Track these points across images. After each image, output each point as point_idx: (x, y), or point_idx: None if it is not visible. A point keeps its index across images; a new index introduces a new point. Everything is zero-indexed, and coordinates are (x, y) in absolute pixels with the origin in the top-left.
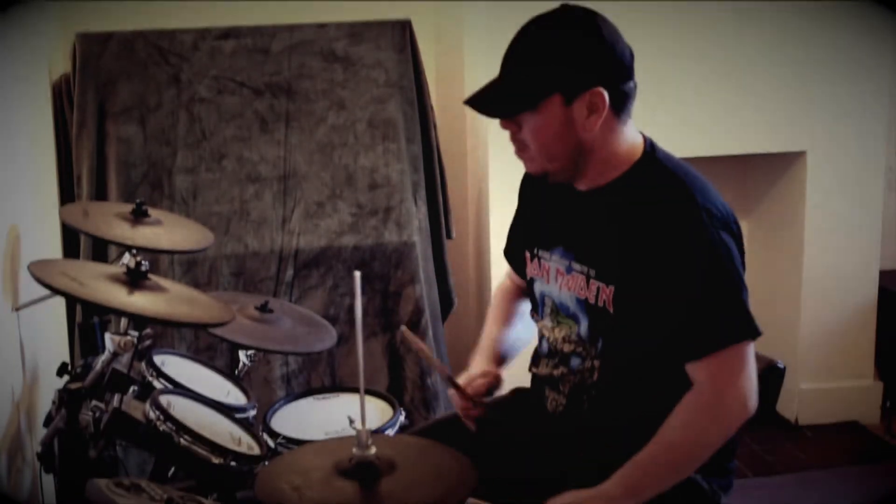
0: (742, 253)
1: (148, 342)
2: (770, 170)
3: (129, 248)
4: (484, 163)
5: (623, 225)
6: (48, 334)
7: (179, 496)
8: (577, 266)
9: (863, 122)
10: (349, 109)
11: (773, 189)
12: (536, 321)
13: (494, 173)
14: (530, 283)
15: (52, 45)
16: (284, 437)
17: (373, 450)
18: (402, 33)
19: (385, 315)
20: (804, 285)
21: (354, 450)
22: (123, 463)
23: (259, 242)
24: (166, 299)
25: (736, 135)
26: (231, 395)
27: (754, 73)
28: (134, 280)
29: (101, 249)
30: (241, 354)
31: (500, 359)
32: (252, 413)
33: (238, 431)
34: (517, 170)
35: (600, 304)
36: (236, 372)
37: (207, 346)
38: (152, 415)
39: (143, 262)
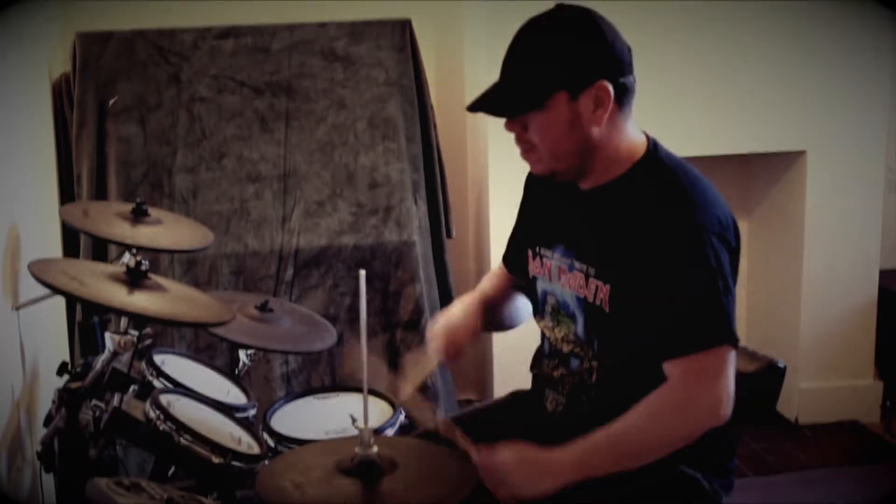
0: (736, 261)
1: (148, 341)
2: (770, 170)
3: (129, 247)
4: (484, 163)
5: (621, 223)
6: (48, 334)
7: (179, 495)
8: (577, 265)
9: (863, 122)
10: (349, 108)
11: (773, 189)
12: (538, 321)
13: (494, 173)
14: (532, 281)
15: (52, 45)
16: (284, 437)
17: (375, 449)
18: (403, 33)
19: (385, 314)
20: (804, 285)
21: (357, 448)
22: (123, 462)
23: (259, 242)
24: (166, 298)
25: (736, 135)
26: (231, 394)
27: (754, 73)
28: (134, 279)
29: (101, 249)
30: (241, 354)
31: (487, 313)
32: (252, 412)
33: (238, 431)
34: (517, 170)
35: (597, 302)
36: (236, 371)
37: (207, 345)
38: (152, 414)
39: (143, 261)
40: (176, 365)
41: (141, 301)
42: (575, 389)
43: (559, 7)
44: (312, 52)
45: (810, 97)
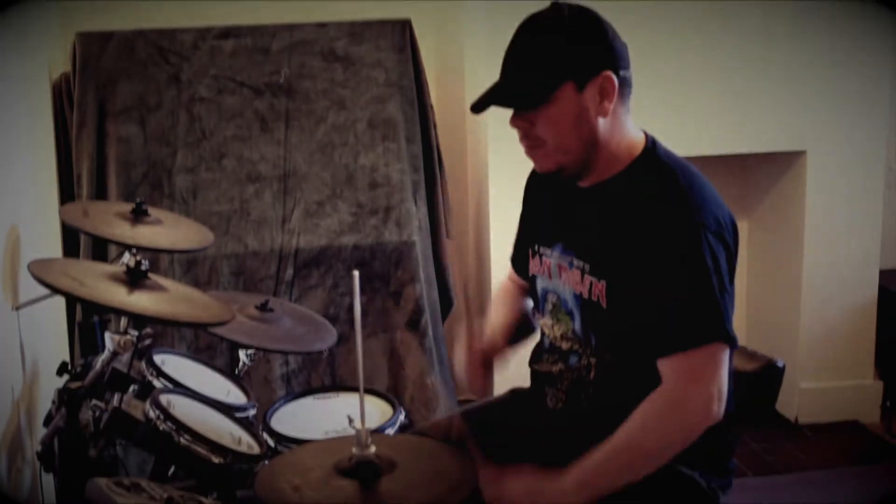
0: (732, 258)
1: (148, 341)
2: (770, 170)
3: (129, 247)
4: (484, 163)
5: (618, 220)
6: (48, 334)
7: (179, 495)
8: (576, 262)
9: (863, 122)
10: (349, 109)
11: (773, 189)
12: (538, 319)
13: (494, 173)
14: (532, 280)
15: (52, 45)
16: (284, 437)
17: (373, 449)
18: (402, 33)
19: (385, 315)
20: (804, 285)
21: (354, 449)
22: (123, 462)
23: (259, 242)
24: (166, 299)
25: (736, 135)
26: (231, 394)
27: (754, 73)
28: (134, 279)
29: (101, 249)
30: (241, 354)
31: (508, 342)
32: (252, 412)
33: (238, 431)
34: (517, 170)
35: (594, 298)
36: (236, 371)
37: (207, 345)
38: (152, 414)
39: (143, 261)
40: (176, 365)
41: (141, 301)
42: (574, 386)
43: (557, 5)
44: (312, 53)
45: (810, 97)
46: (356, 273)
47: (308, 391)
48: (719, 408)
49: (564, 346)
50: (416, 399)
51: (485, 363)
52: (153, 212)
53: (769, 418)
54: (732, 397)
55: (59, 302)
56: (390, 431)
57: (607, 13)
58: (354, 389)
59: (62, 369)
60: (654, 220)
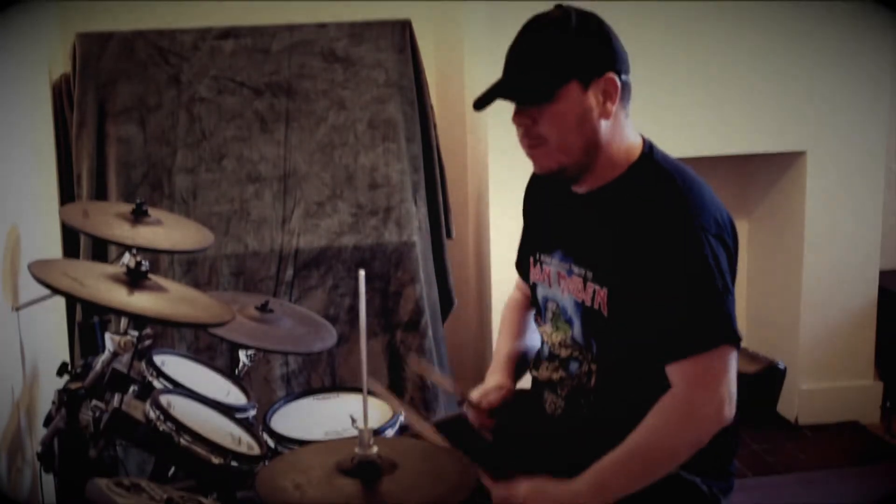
0: (734, 261)
1: (148, 342)
2: (770, 170)
3: (129, 248)
4: (484, 163)
5: (617, 227)
6: (48, 334)
7: (179, 496)
8: (576, 269)
9: (863, 122)
10: (349, 109)
11: (773, 189)
12: (539, 325)
13: (494, 173)
14: (533, 287)
15: (52, 45)
16: (284, 438)
17: (375, 449)
18: (402, 33)
19: (385, 315)
20: (804, 285)
21: (356, 449)
22: (123, 463)
23: (259, 242)
24: (166, 299)
25: (736, 135)
26: (231, 394)
27: (754, 73)
28: (134, 280)
29: (101, 249)
30: (241, 354)
31: (515, 372)
32: (252, 413)
33: (238, 431)
34: (517, 170)
35: (595, 306)
36: (236, 372)
37: (207, 345)
38: (152, 415)
39: (143, 262)
40: (176, 365)
41: (141, 302)
42: (573, 393)
43: (562, 7)
44: (312, 53)
45: (810, 97)
46: (362, 273)
47: (308, 392)
48: (730, 410)
49: (563, 353)
50: (416, 399)
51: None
52: (153, 212)
53: (770, 419)
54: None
55: (59, 302)
56: (390, 432)
57: (608, 13)
58: (354, 390)
59: (62, 370)
60: (655, 226)
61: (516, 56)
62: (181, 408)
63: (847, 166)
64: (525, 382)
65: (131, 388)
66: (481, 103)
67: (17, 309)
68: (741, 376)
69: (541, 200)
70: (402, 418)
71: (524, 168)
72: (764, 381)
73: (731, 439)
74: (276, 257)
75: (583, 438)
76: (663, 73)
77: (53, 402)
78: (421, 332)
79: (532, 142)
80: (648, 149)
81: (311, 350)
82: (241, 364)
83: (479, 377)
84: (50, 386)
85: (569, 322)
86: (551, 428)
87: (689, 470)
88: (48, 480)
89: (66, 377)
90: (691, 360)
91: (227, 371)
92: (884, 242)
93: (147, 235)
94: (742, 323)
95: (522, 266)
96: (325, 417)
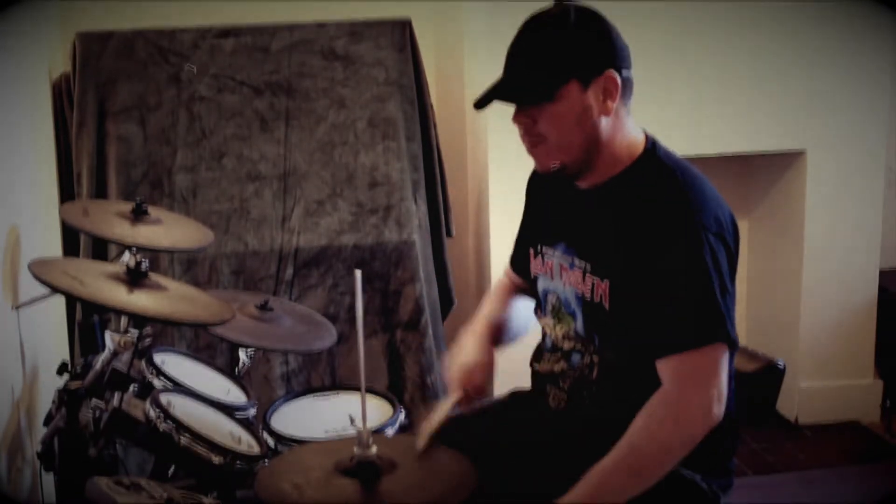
0: (733, 258)
1: (148, 341)
2: (770, 170)
3: (129, 246)
4: (484, 162)
5: (619, 221)
6: (48, 333)
7: (180, 495)
8: (578, 262)
9: (863, 122)
10: (349, 108)
11: (773, 189)
12: (539, 318)
13: (494, 172)
14: (534, 280)
15: (52, 45)
16: (284, 437)
17: (374, 449)
18: (403, 32)
19: (385, 314)
20: (804, 285)
21: (355, 449)
22: (123, 462)
23: (259, 241)
24: (166, 298)
25: (736, 134)
26: (231, 393)
27: (754, 72)
28: (134, 279)
29: (101, 248)
30: (241, 353)
31: (495, 339)
32: (252, 412)
33: (238, 430)
34: (517, 170)
35: (596, 299)
36: (236, 370)
37: (207, 344)
38: (152, 414)
39: (143, 260)
40: (176, 364)
41: (141, 300)
42: (576, 385)
43: (561, 3)
44: (312, 52)
45: (810, 97)
46: (358, 272)
47: (308, 391)
48: (719, 410)
49: (566, 345)
50: (416, 398)
51: (476, 379)
52: (153, 211)
53: (769, 418)
54: (733, 398)
55: (59, 302)
56: (390, 431)
57: (608, 13)
58: (354, 389)
59: (62, 369)
60: (655, 221)
61: (516, 56)
62: (181, 407)
63: (847, 166)
64: (525, 382)
65: (131, 387)
66: (481, 104)
67: (17, 308)
68: (740, 375)
69: (544, 193)
70: (402, 417)
71: (524, 168)
72: (763, 380)
73: (730, 437)
74: (276, 256)
75: (586, 431)
76: (663, 72)
77: (53, 402)
78: (421, 331)
79: (532, 140)
80: (651, 145)
81: (311, 349)
82: (241, 363)
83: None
84: (50, 385)
85: (571, 314)
86: (554, 422)
87: (689, 467)
88: (48, 479)
89: (66, 376)
90: (681, 357)
91: (227, 370)
92: (884, 242)
93: (147, 234)
94: (742, 323)
95: (518, 258)
96: (326, 416)
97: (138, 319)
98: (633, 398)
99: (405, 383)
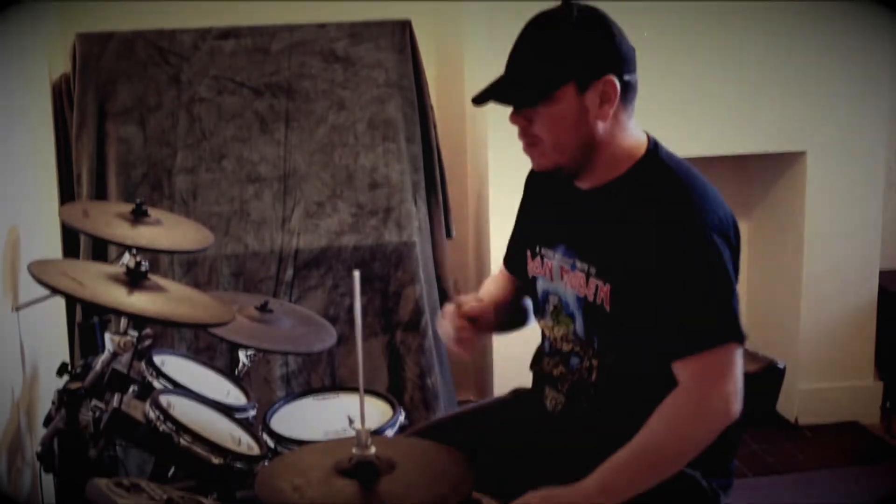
0: (736, 257)
1: (148, 342)
2: (770, 170)
3: (128, 248)
4: (484, 163)
5: (622, 223)
6: (48, 334)
7: (179, 496)
8: (579, 264)
9: (863, 123)
10: (349, 109)
11: (773, 189)
12: (538, 320)
13: (494, 173)
14: (532, 281)
15: (52, 45)
16: (284, 438)
17: (373, 449)
18: (402, 33)
19: (385, 315)
20: (804, 285)
21: (354, 449)
22: (123, 463)
23: (259, 242)
24: (166, 299)
25: (736, 135)
26: (231, 395)
27: (754, 73)
28: (134, 280)
29: (101, 249)
30: (241, 354)
31: (495, 310)
32: (252, 413)
33: (238, 431)
34: (517, 170)
35: (598, 301)
36: (236, 372)
37: (207, 346)
38: (152, 415)
39: (142, 262)
40: (176, 365)
41: (141, 302)
42: (574, 388)
43: (567, 3)
44: (312, 53)
45: (810, 97)
46: (356, 273)
47: (308, 392)
48: (738, 406)
49: (565, 347)
50: (416, 399)
51: (471, 324)
52: (153, 212)
53: (769, 419)
54: None
55: (59, 302)
56: (390, 432)
57: (609, 12)
58: (354, 390)
59: (62, 370)
60: (660, 223)
61: (515, 55)
62: (181, 408)
63: (847, 166)
64: (525, 382)
65: (131, 389)
66: (479, 100)
67: (17, 309)
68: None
69: (542, 193)
70: (401, 417)
71: (524, 168)
72: (763, 381)
73: (732, 436)
74: (275, 257)
75: (583, 434)
76: (663, 72)
77: (53, 402)
78: (421, 332)
79: (528, 140)
80: (653, 146)
81: (311, 350)
82: (240, 364)
83: (480, 377)
84: (50, 386)
85: (570, 316)
86: (551, 423)
87: (690, 465)
88: (48, 480)
89: (65, 377)
90: (698, 357)
91: (227, 371)
92: (884, 242)
93: (147, 235)
94: (742, 323)
95: (513, 259)
96: (325, 417)
97: (138, 321)
98: (631, 401)
99: (405, 384)
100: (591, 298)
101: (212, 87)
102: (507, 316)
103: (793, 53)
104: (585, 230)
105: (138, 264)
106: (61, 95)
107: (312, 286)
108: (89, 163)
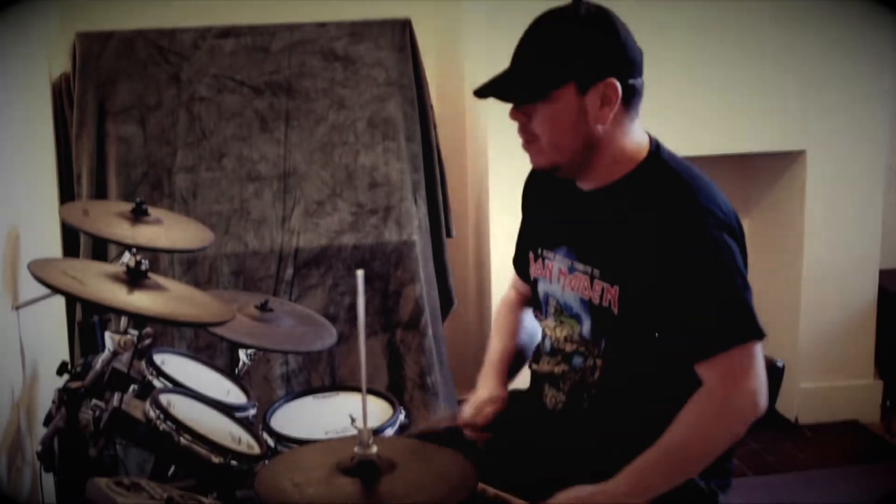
0: (745, 254)
1: (148, 341)
2: (770, 170)
3: (128, 247)
4: (484, 162)
5: (627, 225)
6: (48, 333)
7: (179, 495)
8: (579, 266)
9: (863, 122)
10: (349, 108)
11: (773, 189)
12: (539, 320)
13: (494, 173)
14: (534, 283)
15: (52, 45)
16: (284, 437)
17: (374, 448)
18: (402, 32)
19: (385, 314)
20: (804, 285)
21: (356, 448)
22: (123, 462)
23: (259, 241)
24: (166, 298)
25: (736, 134)
26: (231, 394)
27: (754, 72)
28: (134, 279)
29: (101, 248)
30: (241, 353)
31: (508, 376)
32: (252, 412)
33: (238, 430)
34: (517, 169)
35: (605, 304)
36: (236, 371)
37: (207, 344)
38: (152, 414)
39: (142, 261)
40: (176, 364)
41: (141, 301)
42: (575, 387)
43: (576, 2)
44: (312, 52)
45: (810, 97)
46: (360, 272)
47: (308, 391)
48: (764, 401)
49: (568, 348)
50: (416, 398)
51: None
52: (153, 211)
53: (769, 418)
54: None
55: (59, 302)
56: (390, 431)
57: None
58: (354, 389)
59: (62, 369)
60: (666, 224)
61: (519, 52)
62: (181, 407)
63: (847, 166)
64: (523, 382)
65: (131, 388)
66: (481, 93)
67: (17, 308)
68: None
69: (543, 195)
70: (402, 417)
71: (524, 167)
72: None
73: None
74: (275, 256)
75: (583, 432)
76: (664, 72)
77: (53, 402)
78: (421, 331)
79: (526, 137)
80: (655, 147)
81: (311, 349)
82: (240, 363)
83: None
84: (50, 385)
85: (576, 318)
86: (551, 422)
87: None
88: (48, 480)
89: (66, 376)
90: (722, 357)
91: (227, 370)
92: (884, 242)
93: (147, 234)
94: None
95: (520, 261)
96: (326, 416)
97: (138, 320)
98: (633, 401)
99: (405, 383)
100: (597, 301)
101: (212, 86)
102: (521, 357)
103: (793, 53)
104: (588, 232)
105: (138, 263)
106: (61, 95)
107: (312, 285)
108: (89, 162)
